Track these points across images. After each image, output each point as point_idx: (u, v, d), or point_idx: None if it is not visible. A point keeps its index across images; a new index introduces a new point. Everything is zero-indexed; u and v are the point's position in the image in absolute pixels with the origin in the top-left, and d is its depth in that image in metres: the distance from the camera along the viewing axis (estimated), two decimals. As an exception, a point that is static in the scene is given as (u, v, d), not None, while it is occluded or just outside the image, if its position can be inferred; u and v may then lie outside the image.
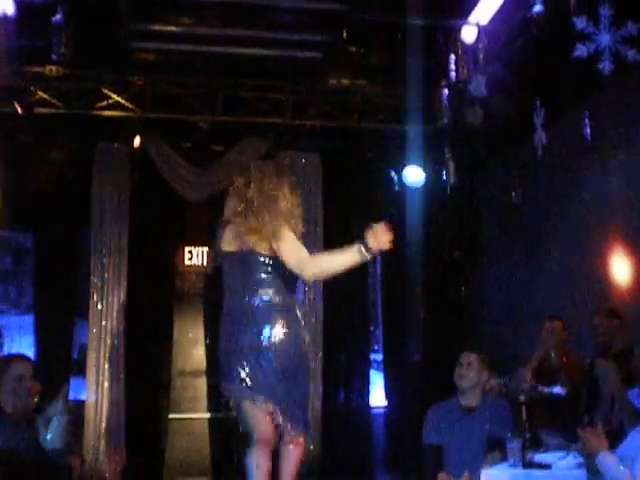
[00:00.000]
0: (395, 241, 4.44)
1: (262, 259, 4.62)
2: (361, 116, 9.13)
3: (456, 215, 9.66)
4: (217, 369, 4.76)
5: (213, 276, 4.93)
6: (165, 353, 9.48)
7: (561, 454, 4.63)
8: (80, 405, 8.96)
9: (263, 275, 4.62)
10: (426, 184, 9.02)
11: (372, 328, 11.38)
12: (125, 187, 9.34)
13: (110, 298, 9.17)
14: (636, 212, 6.94)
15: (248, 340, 4.53)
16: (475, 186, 9.79)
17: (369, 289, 10.87)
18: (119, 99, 8.65)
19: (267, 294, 4.61)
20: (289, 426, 4.50)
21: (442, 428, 5.25)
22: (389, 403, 10.23)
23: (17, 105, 8.21)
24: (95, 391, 9.04)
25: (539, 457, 4.65)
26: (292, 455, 4.55)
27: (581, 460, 4.32)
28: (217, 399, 4.77)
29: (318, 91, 8.92)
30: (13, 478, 4.05)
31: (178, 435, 9.70)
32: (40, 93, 8.44)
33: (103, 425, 9.01)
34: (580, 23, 5.15)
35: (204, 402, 9.66)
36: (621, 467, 3.85)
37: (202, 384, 9.93)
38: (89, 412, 8.98)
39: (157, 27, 7.56)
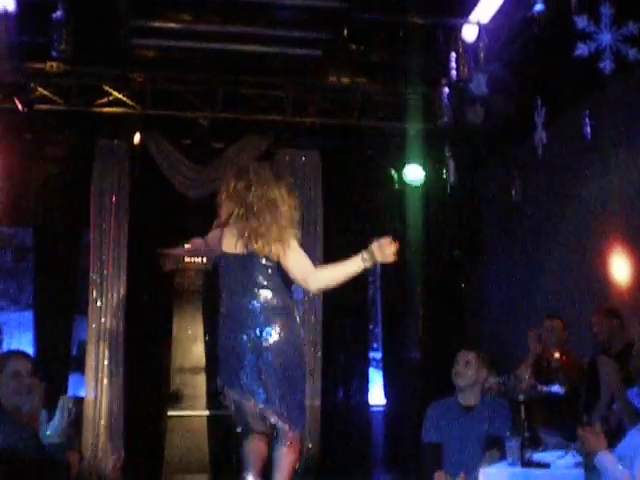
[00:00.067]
0: (395, 239, 4.47)
1: (264, 262, 4.62)
2: (361, 114, 9.12)
3: (456, 214, 9.66)
4: (216, 367, 4.77)
5: (213, 274, 4.93)
6: (164, 350, 9.47)
7: (560, 453, 4.63)
8: (79, 402, 8.96)
9: (263, 277, 4.62)
10: (426, 183, 9.03)
11: (371, 326, 11.39)
12: (125, 184, 9.34)
13: (109, 295, 9.17)
14: (636, 212, 6.94)
15: (247, 340, 4.52)
16: (475, 185, 9.79)
17: (368, 288, 10.88)
18: (119, 96, 8.65)
19: (267, 296, 4.60)
20: (286, 427, 4.49)
21: (441, 426, 5.24)
22: (388, 401, 10.23)
23: (17, 101, 8.21)
24: (94, 388, 9.05)
25: (538, 456, 4.65)
26: (287, 456, 4.54)
27: (579, 459, 4.32)
28: (216, 397, 4.76)
29: (318, 89, 8.92)
30: (13, 476, 4.05)
31: (177, 432, 9.67)
32: (40, 89, 8.44)
33: (102, 422, 9.02)
34: (581, 22, 5.14)
35: (203, 399, 9.63)
36: (620, 466, 3.85)
37: (201, 381, 9.90)
38: (88, 409, 8.98)
39: (157, 24, 7.57)
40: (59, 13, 6.15)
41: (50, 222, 9.29)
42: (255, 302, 4.57)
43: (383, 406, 10.31)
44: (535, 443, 4.86)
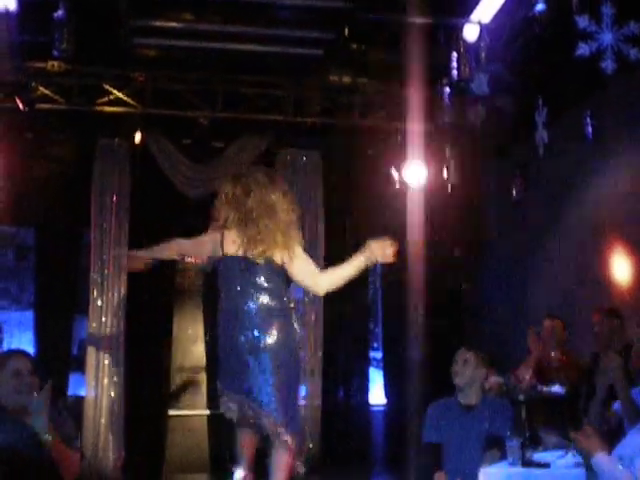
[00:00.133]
0: (395, 238, 4.51)
1: (263, 266, 4.68)
2: (362, 113, 9.13)
3: (457, 214, 9.65)
4: (216, 368, 4.80)
5: (212, 275, 4.96)
6: (165, 350, 9.49)
7: (560, 453, 4.63)
8: (79, 401, 8.97)
9: (262, 280, 4.67)
10: (427, 182, 9.01)
11: (372, 326, 11.39)
12: (125, 183, 9.34)
13: (110, 294, 9.17)
14: (637, 212, 6.94)
15: (245, 342, 4.57)
16: (476, 185, 9.77)
17: (369, 287, 10.88)
18: (120, 95, 8.66)
19: (265, 298, 4.65)
20: (282, 431, 4.51)
21: (441, 426, 5.25)
22: (389, 401, 10.23)
23: (19, 101, 8.21)
24: (94, 387, 9.04)
25: (538, 456, 4.66)
26: (284, 460, 4.56)
27: (580, 459, 4.31)
28: (217, 396, 4.81)
29: (319, 88, 8.92)
30: (13, 475, 4.05)
31: (178, 431, 9.70)
32: (41, 89, 8.45)
33: (102, 421, 9.01)
34: (582, 22, 5.14)
35: (204, 399, 9.66)
36: (619, 467, 3.83)
37: (202, 381, 9.93)
38: (88, 408, 8.98)
39: (158, 23, 7.57)
40: (60, 12, 6.16)
41: (51, 221, 9.29)
42: (253, 304, 4.62)
43: (383, 406, 10.31)
44: (535, 443, 4.87)
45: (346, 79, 8.70)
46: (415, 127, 8.79)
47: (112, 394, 9.04)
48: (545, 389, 5.86)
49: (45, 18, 6.25)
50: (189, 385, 10.12)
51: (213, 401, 9.19)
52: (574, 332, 6.95)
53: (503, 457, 4.70)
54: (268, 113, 8.99)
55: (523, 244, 9.00)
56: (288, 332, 4.68)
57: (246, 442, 4.69)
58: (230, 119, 8.99)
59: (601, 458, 3.84)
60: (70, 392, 9.15)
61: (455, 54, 6.89)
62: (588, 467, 4.07)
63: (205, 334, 9.64)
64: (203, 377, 9.89)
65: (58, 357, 8.97)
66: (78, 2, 6.31)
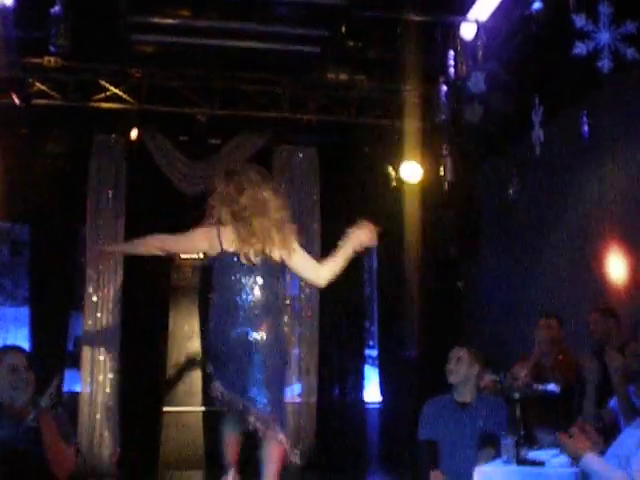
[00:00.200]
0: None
1: (261, 263, 4.73)
2: (359, 111, 9.13)
3: (453, 212, 9.65)
4: (208, 359, 4.89)
5: (209, 270, 4.99)
6: (160, 346, 9.49)
7: (554, 451, 4.63)
8: (75, 397, 8.97)
9: (258, 277, 4.71)
10: (423, 180, 9.01)
11: (367, 324, 11.39)
12: (122, 179, 9.34)
13: (105, 290, 9.17)
14: (633, 211, 6.95)
15: (237, 337, 4.61)
16: (473, 183, 9.77)
17: (365, 285, 10.88)
18: (117, 91, 8.65)
19: (259, 295, 4.70)
20: (272, 426, 4.54)
21: (437, 423, 5.25)
22: (384, 399, 10.24)
23: (15, 96, 8.20)
24: (90, 383, 9.05)
25: (533, 454, 4.66)
26: (276, 454, 4.59)
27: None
28: (208, 381, 4.89)
29: (316, 86, 8.91)
30: (11, 470, 4.05)
31: (173, 428, 9.70)
32: (38, 84, 8.44)
33: (98, 417, 9.02)
34: (579, 21, 5.14)
35: (199, 395, 9.65)
36: (611, 466, 3.81)
37: (197, 377, 9.93)
38: (84, 404, 8.99)
39: (155, 19, 7.55)
40: (57, 8, 6.14)
41: (47, 217, 9.27)
42: (246, 300, 4.67)
43: (379, 404, 10.32)
44: (530, 441, 4.87)
45: (343, 76, 8.68)
46: (412, 125, 8.81)
47: (107, 390, 9.05)
48: (540, 387, 5.85)
49: (42, 13, 6.23)
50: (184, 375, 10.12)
51: (208, 398, 9.21)
52: (571, 331, 6.95)
53: (498, 455, 4.71)
54: (265, 110, 8.99)
55: (520, 243, 9.00)
56: (278, 329, 4.77)
57: (231, 441, 4.75)
58: (227, 116, 8.99)
59: (590, 459, 3.81)
60: (65, 388, 9.13)
61: (452, 52, 6.90)
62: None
63: (201, 330, 9.63)
64: (198, 373, 9.89)
65: (53, 353, 8.96)
66: (75, -2, 6.31)
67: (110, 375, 9.07)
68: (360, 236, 4.80)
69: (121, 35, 7.63)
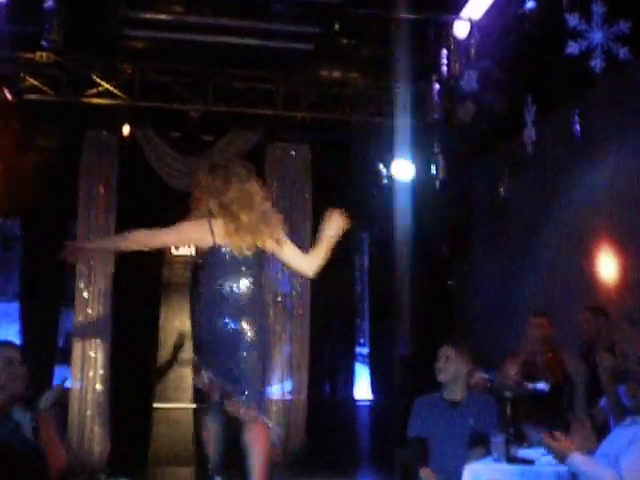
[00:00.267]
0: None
1: (252, 256, 4.85)
2: (352, 109, 9.13)
3: (445, 210, 9.66)
4: (195, 346, 5.13)
5: (201, 263, 5.06)
6: (151, 342, 9.48)
7: (544, 450, 4.64)
8: (65, 393, 8.94)
9: (247, 270, 4.84)
10: (415, 178, 9.01)
11: (358, 322, 11.40)
12: (113, 175, 9.32)
13: (96, 286, 9.16)
14: (624, 210, 6.96)
15: (223, 327, 4.75)
16: (465, 181, 9.78)
17: (356, 283, 10.89)
18: (109, 87, 8.63)
19: (246, 288, 4.84)
20: (255, 413, 4.68)
21: (427, 421, 5.25)
22: (374, 397, 10.25)
23: (7, 91, 8.17)
24: (80, 379, 9.03)
25: (522, 452, 4.68)
26: (260, 436, 4.72)
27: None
28: (194, 369, 5.04)
29: (309, 83, 8.92)
30: (4, 469, 4.04)
31: (163, 424, 9.70)
32: (30, 79, 8.42)
33: (88, 413, 9.01)
34: (572, 20, 5.15)
35: (189, 391, 9.64)
36: (600, 465, 3.82)
37: (187, 373, 9.89)
38: (74, 400, 8.97)
39: (148, 15, 7.54)
40: (50, 3, 6.13)
41: (38, 212, 9.25)
42: (234, 293, 4.80)
43: (369, 401, 10.33)
44: (520, 439, 4.89)
45: (336, 74, 8.69)
46: (404, 123, 8.79)
47: (98, 386, 9.04)
48: (530, 386, 5.87)
49: (34, 8, 6.22)
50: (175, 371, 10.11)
51: (199, 394, 9.21)
52: (561, 329, 6.96)
53: (488, 453, 4.72)
54: (258, 107, 8.98)
55: (511, 241, 9.02)
56: (263, 322, 4.93)
57: (213, 435, 4.94)
58: (220, 113, 8.98)
59: (576, 459, 3.82)
60: (55, 384, 9.11)
61: (445, 50, 6.91)
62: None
63: (192, 327, 9.63)
64: (189, 370, 9.87)
65: (44, 349, 8.94)
66: (68, -7, 6.29)
67: (101, 371, 9.06)
68: (334, 223, 4.95)
69: (114, 31, 7.62)
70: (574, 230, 7.78)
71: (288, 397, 9.47)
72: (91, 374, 9.03)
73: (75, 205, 9.23)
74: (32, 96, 8.47)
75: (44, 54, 7.65)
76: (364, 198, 9.53)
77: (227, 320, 4.74)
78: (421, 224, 9.27)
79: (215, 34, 7.81)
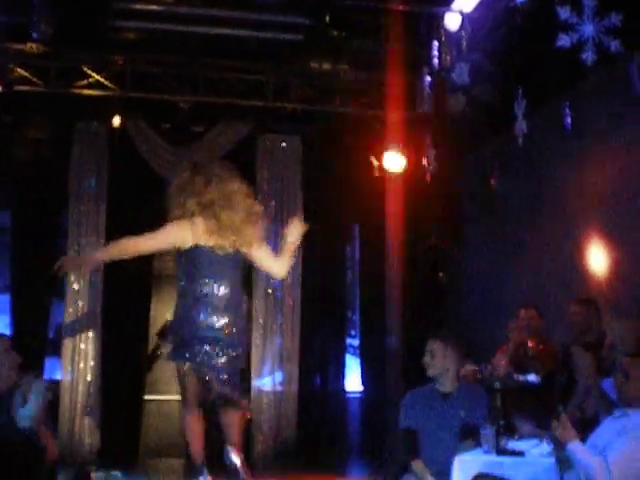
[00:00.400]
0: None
1: (232, 255, 5.01)
2: (342, 100, 9.12)
3: (436, 202, 9.66)
4: (175, 330, 5.18)
5: (183, 261, 5.15)
6: (142, 334, 9.46)
7: (534, 441, 4.67)
8: (55, 385, 8.93)
9: (227, 269, 5.01)
10: (406, 170, 9.01)
11: (349, 313, 11.40)
12: (103, 167, 9.30)
13: (87, 278, 9.13)
14: (615, 202, 6.98)
15: (204, 320, 4.95)
16: (456, 174, 9.79)
17: (347, 274, 10.89)
18: (99, 78, 8.61)
19: (226, 286, 5.01)
20: (236, 395, 4.96)
21: (418, 413, 5.26)
22: (365, 388, 10.26)
23: (-4, 82, 8.14)
24: (71, 371, 9.03)
25: (512, 444, 4.70)
26: (236, 416, 5.04)
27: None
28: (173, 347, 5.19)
29: (300, 74, 8.90)
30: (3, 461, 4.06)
31: (154, 416, 9.70)
32: (20, 70, 8.38)
33: (79, 405, 9.01)
34: (564, 13, 5.15)
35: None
36: (592, 454, 3.90)
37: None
38: (65, 392, 8.97)
39: (139, 6, 7.51)
40: (40, -7, 6.11)
41: (28, 204, 9.23)
42: (213, 293, 4.97)
43: (360, 393, 10.34)
44: (510, 431, 4.90)
45: (326, 66, 8.66)
46: (395, 115, 8.80)
47: (88, 378, 9.03)
48: (521, 378, 5.89)
49: (24, -1, 6.20)
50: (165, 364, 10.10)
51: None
52: (551, 321, 6.99)
53: (478, 445, 4.73)
54: (248, 98, 8.97)
55: (501, 233, 9.03)
56: (242, 316, 5.13)
57: (195, 428, 5.12)
58: (210, 104, 8.97)
59: (575, 446, 3.93)
60: (46, 376, 9.10)
61: (436, 43, 6.90)
62: (557, 457, 4.16)
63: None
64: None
65: (35, 341, 8.93)
66: (58, -17, 6.27)
67: (91, 363, 9.06)
68: (294, 229, 5.14)
69: (104, 22, 7.59)
70: (565, 222, 7.80)
71: (279, 389, 9.48)
72: (82, 366, 9.03)
73: (66, 196, 9.20)
74: (22, 87, 8.43)
75: (34, 45, 7.60)
76: (355, 190, 9.52)
77: (208, 317, 4.93)
78: (412, 216, 9.28)
79: (205, 25, 7.79)
